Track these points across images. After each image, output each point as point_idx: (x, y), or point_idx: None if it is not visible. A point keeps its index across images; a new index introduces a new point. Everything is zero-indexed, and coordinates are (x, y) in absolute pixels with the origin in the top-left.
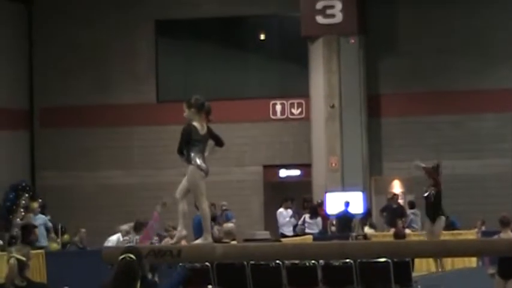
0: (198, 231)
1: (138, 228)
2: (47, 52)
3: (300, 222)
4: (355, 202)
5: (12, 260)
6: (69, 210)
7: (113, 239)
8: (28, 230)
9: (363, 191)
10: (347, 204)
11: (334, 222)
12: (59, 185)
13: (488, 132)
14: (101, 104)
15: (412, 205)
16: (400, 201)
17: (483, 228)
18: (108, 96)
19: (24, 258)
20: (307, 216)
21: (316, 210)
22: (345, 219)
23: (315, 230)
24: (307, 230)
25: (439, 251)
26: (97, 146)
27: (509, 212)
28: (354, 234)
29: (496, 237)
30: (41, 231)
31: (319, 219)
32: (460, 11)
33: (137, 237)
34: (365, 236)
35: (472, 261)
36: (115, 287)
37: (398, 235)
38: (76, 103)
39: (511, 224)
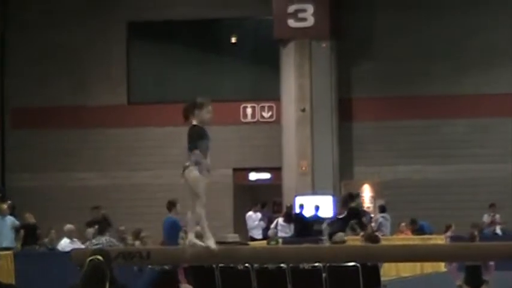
0: (170, 234)
1: (102, 230)
2: (19, 54)
3: (272, 225)
4: (325, 206)
5: None
6: (40, 212)
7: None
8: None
9: (333, 195)
10: (317, 208)
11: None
12: (30, 186)
13: (460, 137)
14: (73, 106)
15: (382, 209)
16: (370, 205)
17: (449, 233)
18: (80, 98)
19: None
20: (280, 219)
21: (290, 214)
22: (315, 223)
23: (288, 234)
24: (280, 234)
25: (408, 256)
26: (69, 148)
27: (479, 216)
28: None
29: None
30: (9, 233)
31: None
32: (434, 17)
33: (104, 238)
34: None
35: (441, 266)
36: None
37: (371, 238)
38: (48, 105)
39: (476, 240)
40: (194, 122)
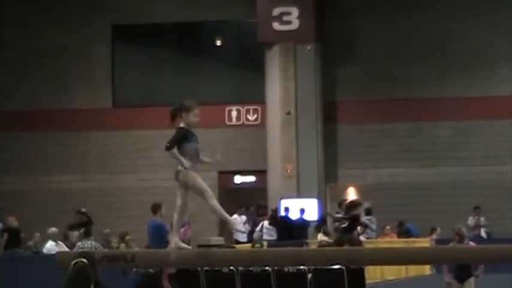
0: (154, 237)
1: (88, 233)
2: (2, 56)
3: (258, 228)
4: (310, 209)
5: None
6: (23, 216)
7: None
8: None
9: (317, 198)
10: (302, 211)
11: None
12: (14, 189)
13: (444, 140)
14: (57, 109)
15: (368, 212)
16: None
17: (434, 236)
18: (64, 100)
19: None
20: (266, 222)
21: (276, 217)
22: (301, 226)
23: (273, 237)
24: (265, 236)
25: (392, 259)
26: (52, 151)
27: (464, 219)
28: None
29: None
30: None
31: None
32: (417, 21)
33: (89, 242)
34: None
35: (426, 269)
36: None
37: (352, 242)
38: (32, 108)
39: (465, 239)
40: (181, 125)
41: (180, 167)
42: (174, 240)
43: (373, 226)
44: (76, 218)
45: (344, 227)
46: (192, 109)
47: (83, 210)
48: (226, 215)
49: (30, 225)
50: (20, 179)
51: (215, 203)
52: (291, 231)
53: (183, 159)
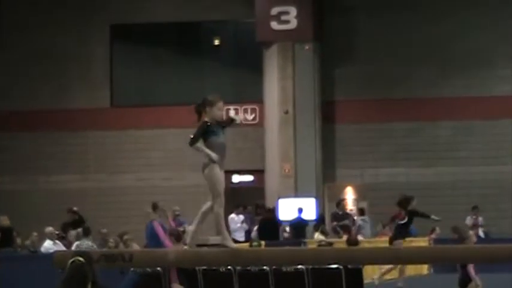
0: (153, 237)
1: (87, 232)
2: (3, 57)
3: (256, 227)
4: (308, 209)
5: None
6: (21, 215)
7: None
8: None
9: (315, 198)
10: (300, 210)
11: (287, 228)
12: (12, 189)
13: (443, 140)
14: (55, 109)
15: (362, 212)
16: (353, 208)
17: (433, 235)
18: (64, 100)
19: None
20: None
21: (271, 217)
22: (299, 225)
23: None
24: None
25: (390, 258)
26: (52, 151)
27: (463, 219)
28: (322, 239)
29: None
30: None
31: None
32: (417, 21)
33: (87, 242)
34: (330, 244)
35: (424, 268)
36: None
37: (350, 241)
38: (32, 108)
39: (464, 237)
40: (206, 119)
41: (207, 160)
42: (189, 228)
43: (368, 226)
44: (68, 217)
45: (403, 223)
46: (216, 103)
47: (75, 208)
48: (224, 229)
49: (29, 225)
50: (20, 178)
51: (221, 211)
52: (274, 232)
53: (209, 151)
